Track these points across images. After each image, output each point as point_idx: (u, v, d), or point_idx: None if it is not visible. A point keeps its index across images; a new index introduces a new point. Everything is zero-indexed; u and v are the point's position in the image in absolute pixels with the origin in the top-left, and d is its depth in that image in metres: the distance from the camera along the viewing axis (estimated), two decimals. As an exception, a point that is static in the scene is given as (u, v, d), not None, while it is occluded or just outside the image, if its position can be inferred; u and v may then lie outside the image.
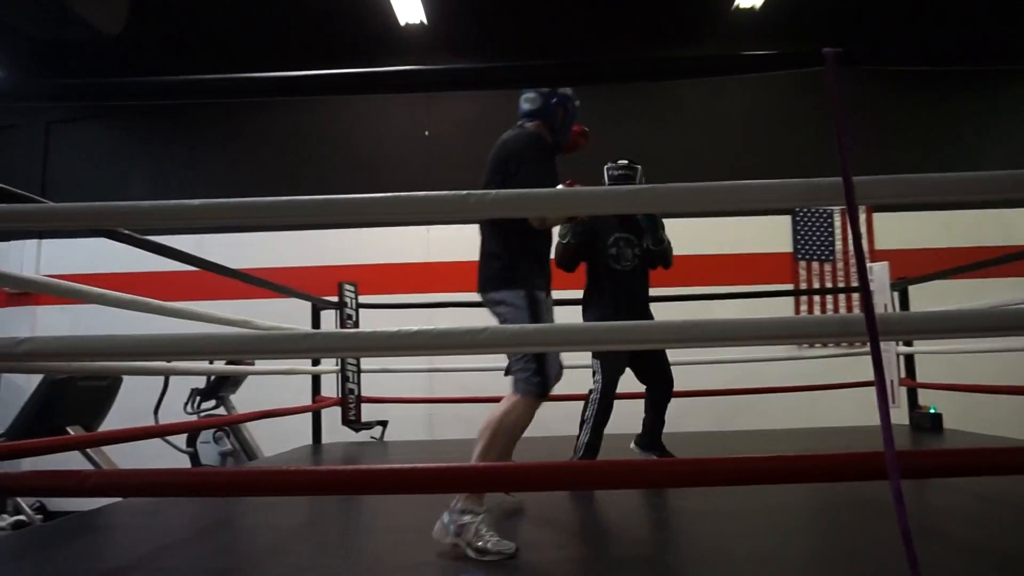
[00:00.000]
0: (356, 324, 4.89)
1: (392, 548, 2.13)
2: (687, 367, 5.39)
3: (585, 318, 3.34)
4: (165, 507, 2.68)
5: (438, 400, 5.94)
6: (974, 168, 1.83)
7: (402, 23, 6.71)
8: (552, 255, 2.47)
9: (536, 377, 2.13)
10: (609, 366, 3.17)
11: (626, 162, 3.33)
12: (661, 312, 5.31)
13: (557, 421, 5.86)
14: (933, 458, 2.00)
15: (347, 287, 4.92)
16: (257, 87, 1.75)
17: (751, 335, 1.63)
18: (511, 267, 2.25)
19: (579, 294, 3.38)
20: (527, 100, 2.48)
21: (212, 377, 5.09)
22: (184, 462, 5.15)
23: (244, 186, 6.82)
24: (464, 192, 1.47)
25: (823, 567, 1.85)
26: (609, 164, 3.36)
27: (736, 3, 6.60)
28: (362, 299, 5.06)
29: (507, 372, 2.26)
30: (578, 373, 5.10)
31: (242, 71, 1.56)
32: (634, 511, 2.50)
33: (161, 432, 3.92)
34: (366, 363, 5.13)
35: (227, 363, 4.53)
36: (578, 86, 2.38)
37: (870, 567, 1.75)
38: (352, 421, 4.92)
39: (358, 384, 4.97)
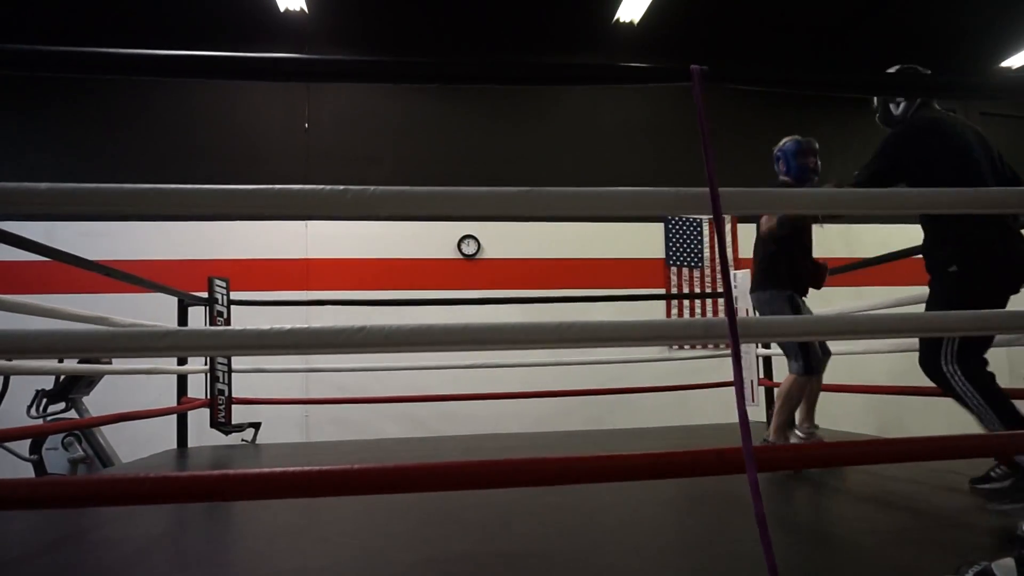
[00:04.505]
0: (227, 321, 4.66)
1: (261, 557, 2.04)
2: (564, 368, 5.56)
3: None
4: (1, 522, 2.43)
5: (314, 401, 5.77)
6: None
7: (281, 8, 6.46)
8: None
9: (798, 361, 3.18)
10: None
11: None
12: (539, 313, 5.47)
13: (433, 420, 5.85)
14: (786, 452, 2.16)
15: (218, 282, 4.68)
16: (123, 64, 1.62)
17: (623, 336, 1.69)
18: (764, 271, 3.30)
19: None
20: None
21: (62, 377, 4.68)
22: (27, 472, 4.71)
23: (108, 169, 6.34)
24: (341, 187, 1.43)
25: (686, 556, 1.95)
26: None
27: (616, 17, 6.83)
28: (235, 295, 4.84)
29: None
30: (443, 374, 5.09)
31: (111, 47, 1.44)
32: (509, 508, 2.53)
33: (-1, 438, 3.56)
34: (238, 363, 4.91)
35: (79, 362, 4.19)
36: (461, 85, 2.37)
37: (729, 554, 1.87)
38: (222, 423, 4.70)
39: (229, 384, 4.75)
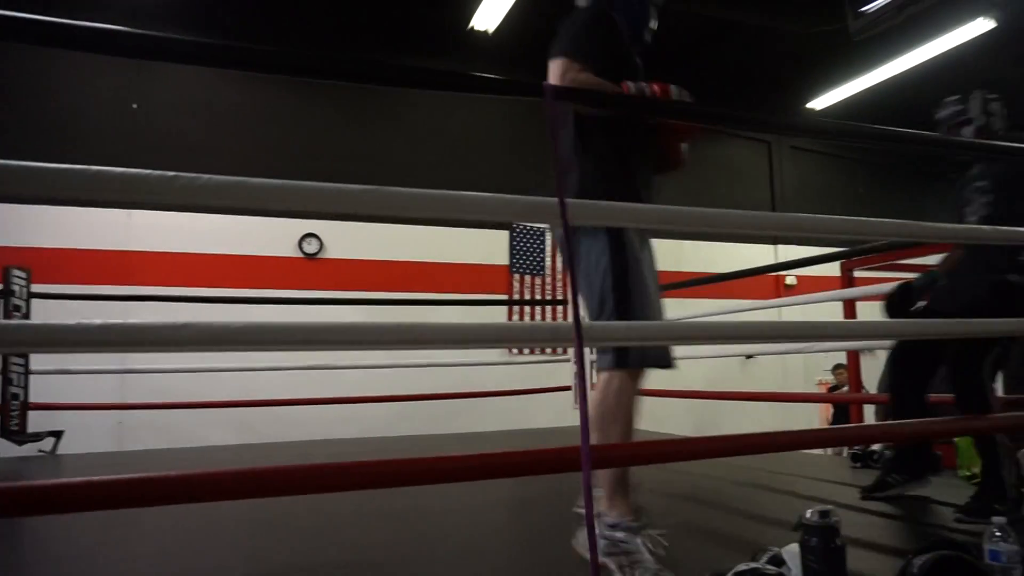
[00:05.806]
0: (27, 316, 4.16)
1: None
2: (404, 371, 5.49)
3: None
4: None
5: (129, 406, 5.28)
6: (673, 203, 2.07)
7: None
8: None
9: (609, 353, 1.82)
10: None
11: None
12: (382, 315, 5.39)
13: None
14: (620, 451, 2.27)
15: (16, 272, 4.18)
16: None
17: (468, 339, 1.70)
18: None
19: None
20: None
21: None
22: None
23: None
24: (171, 173, 1.31)
25: (519, 556, 2.00)
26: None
27: (471, 25, 6.89)
28: (38, 288, 4.33)
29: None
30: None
31: None
32: (345, 512, 2.46)
33: None
34: (38, 362, 4.38)
35: None
36: (308, 79, 2.28)
37: (559, 550, 1.93)
38: (14, 432, 4.17)
39: (25, 388, 4.23)
